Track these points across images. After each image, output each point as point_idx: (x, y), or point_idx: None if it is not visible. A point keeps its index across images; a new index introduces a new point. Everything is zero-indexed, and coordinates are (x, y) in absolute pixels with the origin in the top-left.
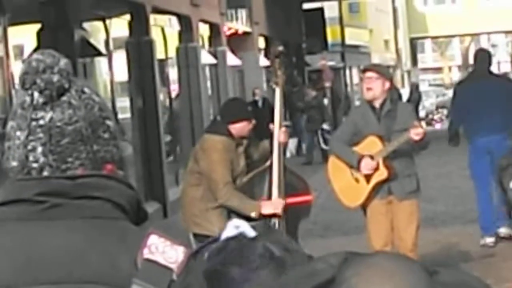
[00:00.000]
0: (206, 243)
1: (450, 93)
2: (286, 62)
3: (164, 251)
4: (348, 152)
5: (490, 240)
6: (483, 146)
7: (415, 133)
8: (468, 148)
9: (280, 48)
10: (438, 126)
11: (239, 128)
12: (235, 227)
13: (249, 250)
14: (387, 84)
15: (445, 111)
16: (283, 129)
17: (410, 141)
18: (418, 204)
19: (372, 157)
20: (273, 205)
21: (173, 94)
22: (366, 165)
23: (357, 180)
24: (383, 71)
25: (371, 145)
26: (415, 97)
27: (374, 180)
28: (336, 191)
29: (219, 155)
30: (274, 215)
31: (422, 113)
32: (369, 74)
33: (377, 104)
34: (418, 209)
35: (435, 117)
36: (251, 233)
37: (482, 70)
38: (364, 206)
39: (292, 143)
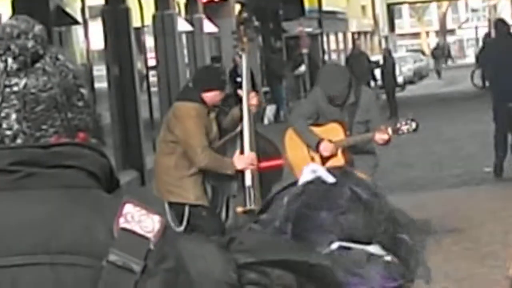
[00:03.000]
0: (283, 188)
1: (426, 59)
2: (253, 28)
3: (140, 220)
4: (309, 134)
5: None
6: (507, 95)
7: (380, 138)
8: (493, 95)
9: (245, 14)
10: (405, 129)
11: (211, 96)
12: (312, 171)
13: (337, 193)
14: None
15: (413, 124)
16: (252, 94)
17: (370, 141)
18: None
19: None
20: (246, 159)
21: (150, 62)
22: (325, 148)
23: (312, 159)
24: (346, 77)
25: (332, 131)
26: (389, 62)
27: (329, 164)
28: (290, 161)
29: (193, 122)
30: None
31: (400, 79)
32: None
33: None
34: None
35: (403, 127)
36: (329, 177)
37: (503, 35)
38: None
39: (270, 110)
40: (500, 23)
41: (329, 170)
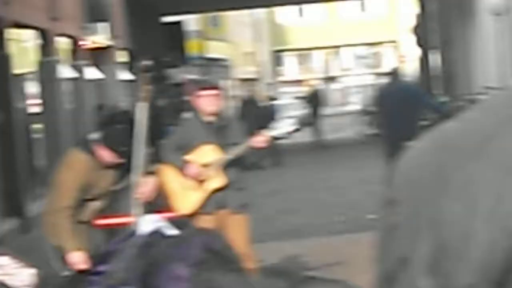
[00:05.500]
0: (121, 239)
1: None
2: (154, 76)
3: (16, 273)
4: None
5: None
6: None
7: (257, 141)
8: (386, 140)
9: (148, 63)
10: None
11: (103, 154)
12: (152, 222)
13: (189, 244)
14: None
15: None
16: (145, 182)
17: (249, 150)
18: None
19: (208, 165)
20: (76, 259)
21: (31, 109)
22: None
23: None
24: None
25: (206, 153)
26: (270, 110)
27: (209, 187)
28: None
29: (68, 177)
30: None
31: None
32: (213, 91)
33: (211, 118)
34: (248, 224)
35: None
36: (169, 229)
37: (393, 81)
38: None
39: None
40: (394, 72)
41: (171, 221)
